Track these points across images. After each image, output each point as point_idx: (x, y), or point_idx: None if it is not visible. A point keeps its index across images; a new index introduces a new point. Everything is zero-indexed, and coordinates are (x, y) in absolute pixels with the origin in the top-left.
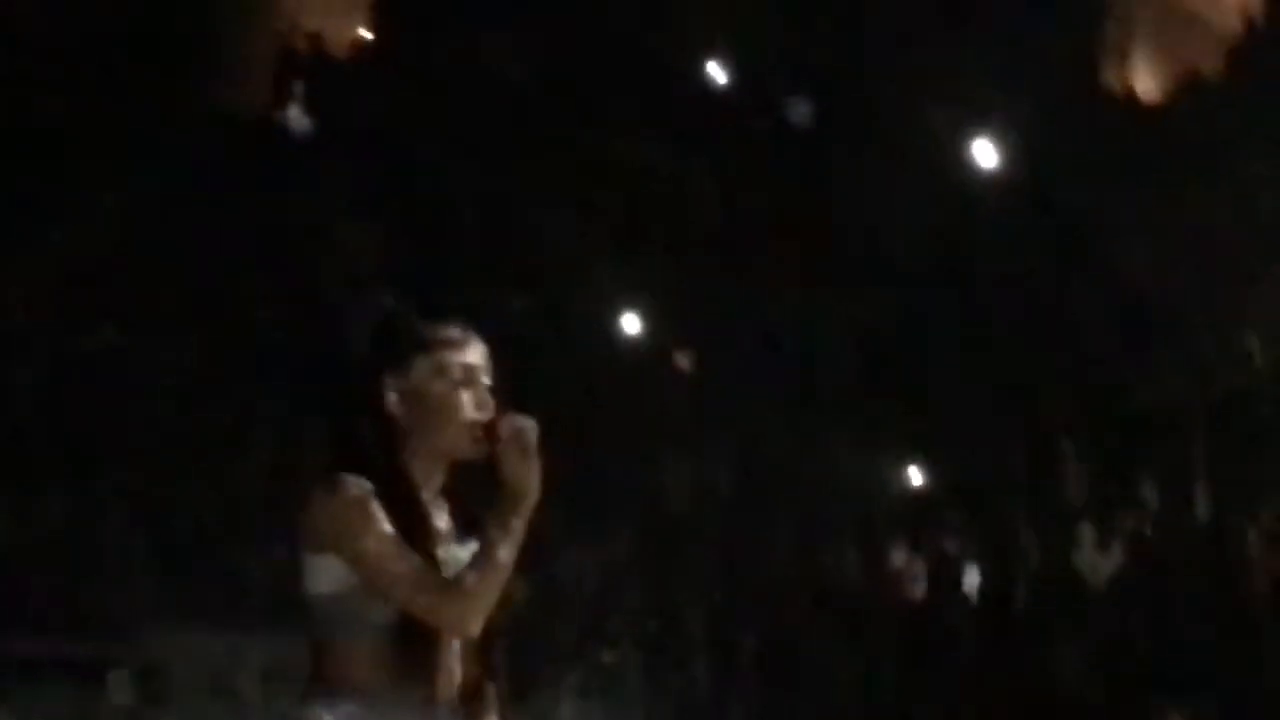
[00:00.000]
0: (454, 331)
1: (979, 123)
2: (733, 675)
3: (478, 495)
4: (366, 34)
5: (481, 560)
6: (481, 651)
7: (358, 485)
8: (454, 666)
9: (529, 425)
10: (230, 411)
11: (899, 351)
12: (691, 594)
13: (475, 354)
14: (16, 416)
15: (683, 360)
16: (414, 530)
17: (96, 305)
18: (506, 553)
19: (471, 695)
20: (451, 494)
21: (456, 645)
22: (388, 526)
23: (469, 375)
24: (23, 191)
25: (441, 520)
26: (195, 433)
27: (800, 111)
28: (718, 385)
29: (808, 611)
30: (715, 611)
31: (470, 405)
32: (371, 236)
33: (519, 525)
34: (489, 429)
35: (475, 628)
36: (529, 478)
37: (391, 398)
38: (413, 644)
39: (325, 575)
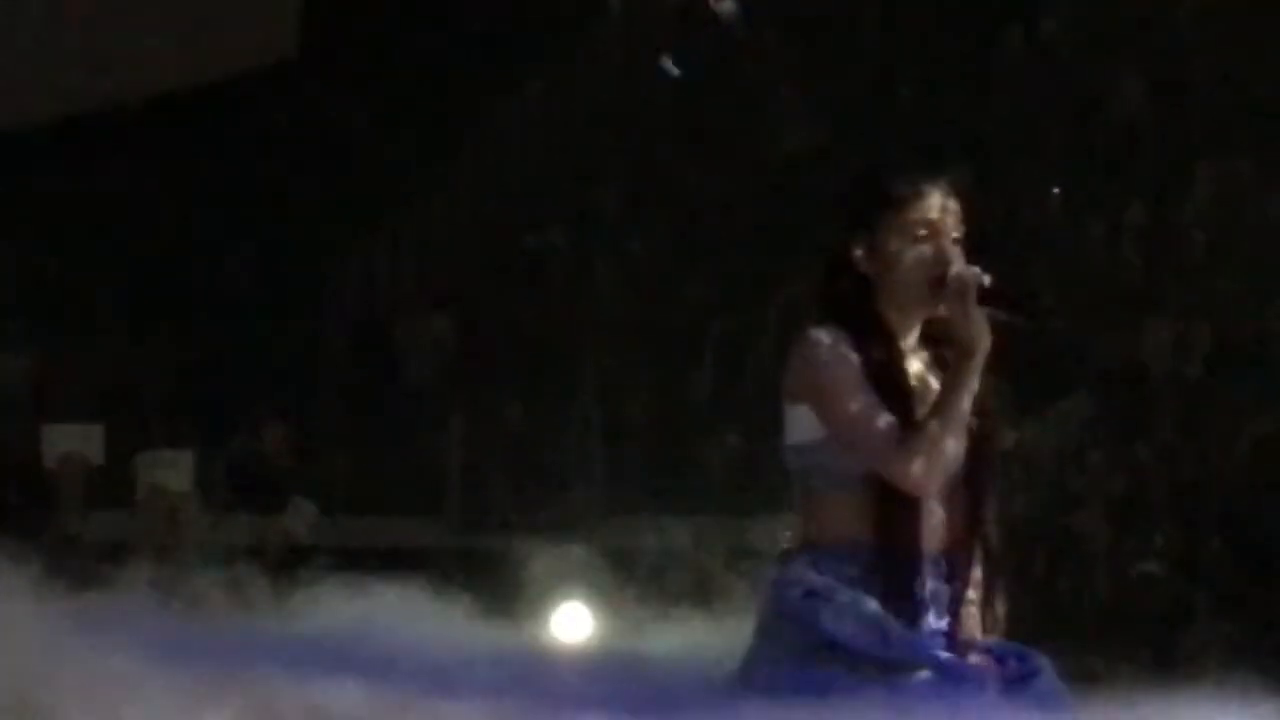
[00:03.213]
0: (919, 185)
1: None
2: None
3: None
4: None
5: (934, 417)
6: (969, 504)
7: (829, 333)
8: (939, 517)
9: (971, 275)
10: (684, 301)
11: None
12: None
13: (939, 208)
14: (475, 321)
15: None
16: (888, 376)
17: (545, 206)
18: (960, 408)
19: (958, 549)
20: (933, 351)
21: (941, 495)
22: (855, 375)
23: (930, 229)
24: (461, 96)
25: (918, 367)
26: (648, 328)
27: None
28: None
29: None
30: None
31: (929, 259)
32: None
33: (971, 378)
34: (937, 282)
35: (932, 486)
36: (973, 328)
37: (858, 254)
38: (895, 495)
39: (801, 426)
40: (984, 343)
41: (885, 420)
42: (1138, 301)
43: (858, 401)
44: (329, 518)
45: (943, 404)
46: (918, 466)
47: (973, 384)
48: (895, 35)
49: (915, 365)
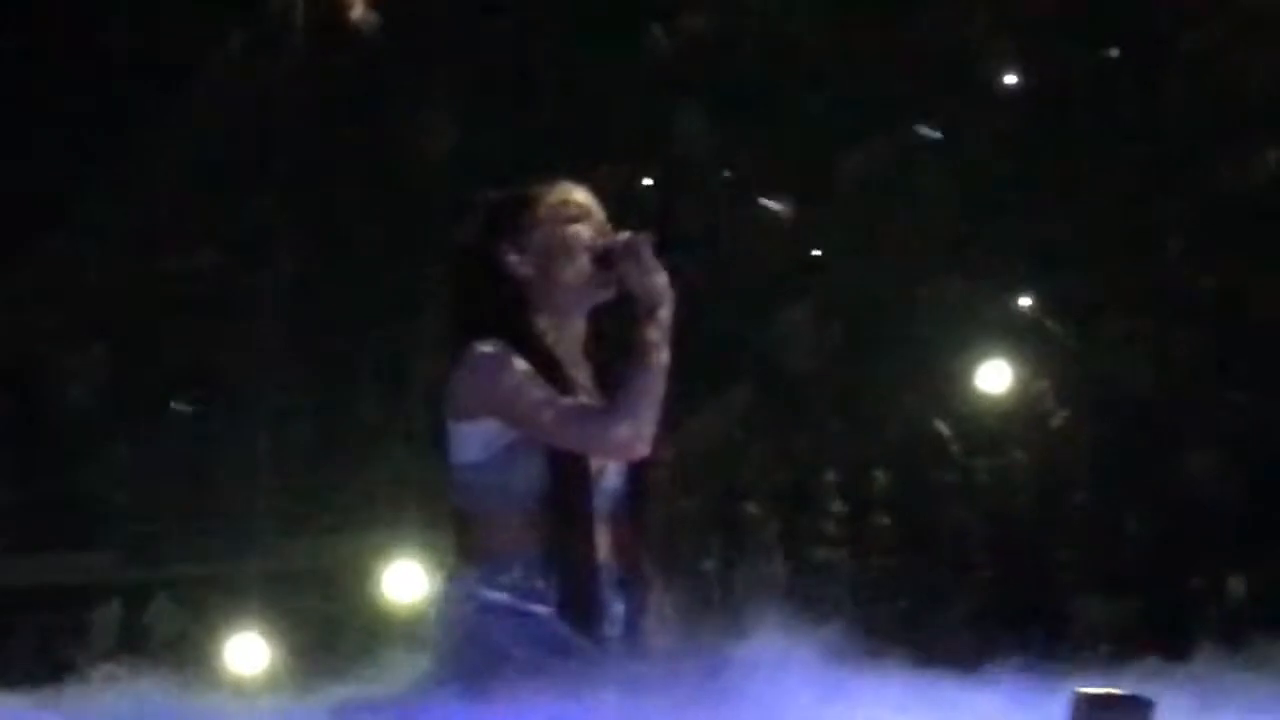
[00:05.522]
0: (557, 182)
1: None
2: (868, 524)
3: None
4: None
5: (637, 372)
6: (636, 513)
7: (494, 343)
8: (607, 530)
9: (641, 237)
10: (333, 322)
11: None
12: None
13: (582, 194)
14: (129, 349)
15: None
16: (554, 384)
17: (192, 229)
18: (659, 362)
19: (630, 559)
20: (594, 359)
21: (608, 509)
22: (532, 373)
23: (580, 210)
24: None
25: (582, 377)
26: (304, 347)
27: None
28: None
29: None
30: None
31: (588, 237)
32: (450, 124)
33: (663, 333)
34: (603, 258)
35: (646, 446)
36: (655, 285)
37: (512, 259)
38: (563, 509)
39: (472, 443)
40: (668, 295)
41: (581, 401)
42: (786, 291)
43: (547, 394)
44: None
45: (640, 362)
46: (628, 428)
47: (665, 339)
48: (537, 41)
49: (581, 378)
